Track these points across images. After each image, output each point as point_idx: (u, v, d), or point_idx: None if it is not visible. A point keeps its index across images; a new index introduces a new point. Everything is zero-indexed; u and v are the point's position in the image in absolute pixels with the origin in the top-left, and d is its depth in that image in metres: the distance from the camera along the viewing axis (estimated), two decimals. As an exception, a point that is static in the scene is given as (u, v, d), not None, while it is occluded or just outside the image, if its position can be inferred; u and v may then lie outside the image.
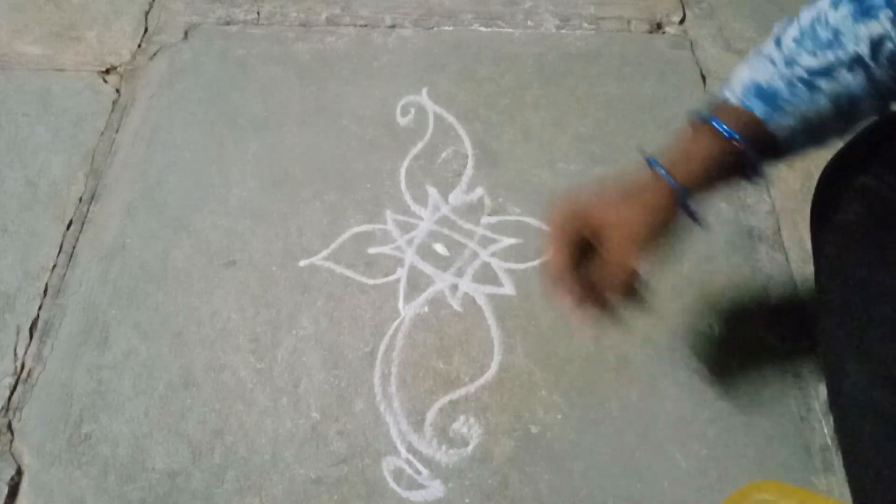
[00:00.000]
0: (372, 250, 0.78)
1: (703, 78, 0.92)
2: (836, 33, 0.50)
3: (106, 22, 1.01)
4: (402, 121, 0.89)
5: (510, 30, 0.97)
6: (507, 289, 0.75)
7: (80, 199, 0.84)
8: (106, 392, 0.70)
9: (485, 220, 0.80)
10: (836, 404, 0.57)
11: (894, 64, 0.48)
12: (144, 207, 0.82)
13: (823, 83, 0.51)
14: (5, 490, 0.65)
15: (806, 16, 0.52)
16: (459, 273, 0.76)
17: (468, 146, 0.86)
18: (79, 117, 0.91)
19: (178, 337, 0.73)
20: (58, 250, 0.80)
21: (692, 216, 0.57)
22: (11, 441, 0.68)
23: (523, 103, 0.89)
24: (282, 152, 0.86)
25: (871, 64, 0.49)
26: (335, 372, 0.71)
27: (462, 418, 0.68)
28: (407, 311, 0.74)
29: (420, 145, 0.86)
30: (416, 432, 0.67)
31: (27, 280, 0.78)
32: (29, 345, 0.73)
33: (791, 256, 0.76)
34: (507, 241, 0.78)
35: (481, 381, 0.70)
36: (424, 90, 0.91)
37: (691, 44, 0.95)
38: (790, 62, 0.52)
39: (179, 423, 0.68)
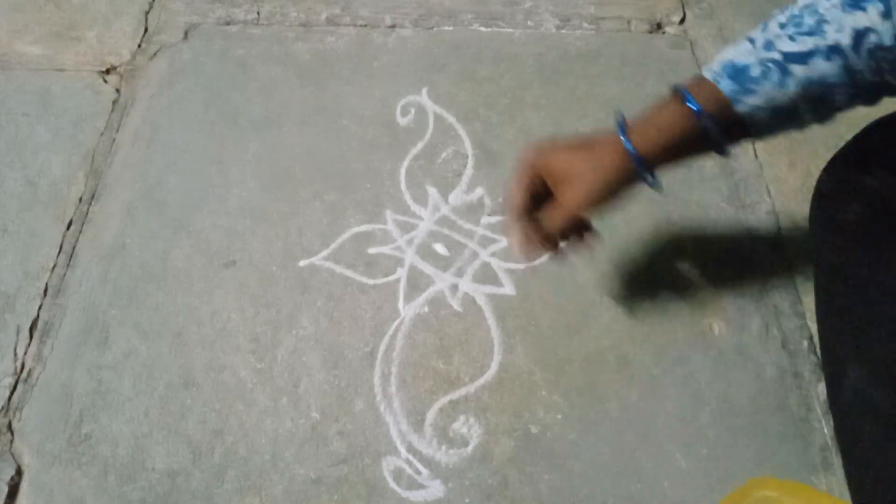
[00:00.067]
0: (372, 250, 0.78)
1: (703, 78, 0.91)
2: (821, 21, 0.50)
3: (106, 22, 1.01)
4: (402, 121, 0.89)
5: (510, 30, 0.97)
6: (507, 289, 0.75)
7: (80, 199, 0.84)
8: (106, 392, 0.70)
9: (485, 220, 0.80)
10: (836, 404, 0.57)
11: (876, 57, 0.48)
12: (144, 207, 0.82)
13: (797, 69, 0.51)
14: (5, 490, 0.65)
15: (802, 1, 0.52)
16: (459, 273, 0.76)
17: (468, 146, 0.86)
18: (79, 117, 0.91)
19: (178, 337, 0.73)
20: (58, 250, 0.80)
21: (647, 182, 0.59)
22: (11, 441, 0.68)
23: (523, 103, 0.89)
24: (282, 152, 0.86)
25: (851, 54, 0.49)
26: (335, 372, 0.71)
27: (462, 418, 0.68)
28: (407, 311, 0.74)
29: (420, 145, 0.86)
30: (416, 432, 0.67)
31: (27, 280, 0.78)
32: (29, 345, 0.73)
33: (791, 256, 0.76)
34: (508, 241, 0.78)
35: (481, 381, 0.70)
36: (424, 90, 0.91)
37: (691, 44, 0.95)
38: (769, 45, 0.53)
39: (179, 423, 0.68)
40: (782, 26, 0.52)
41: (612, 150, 0.58)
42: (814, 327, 0.71)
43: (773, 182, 0.82)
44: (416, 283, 0.76)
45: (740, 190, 0.81)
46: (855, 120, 0.63)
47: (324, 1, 1.01)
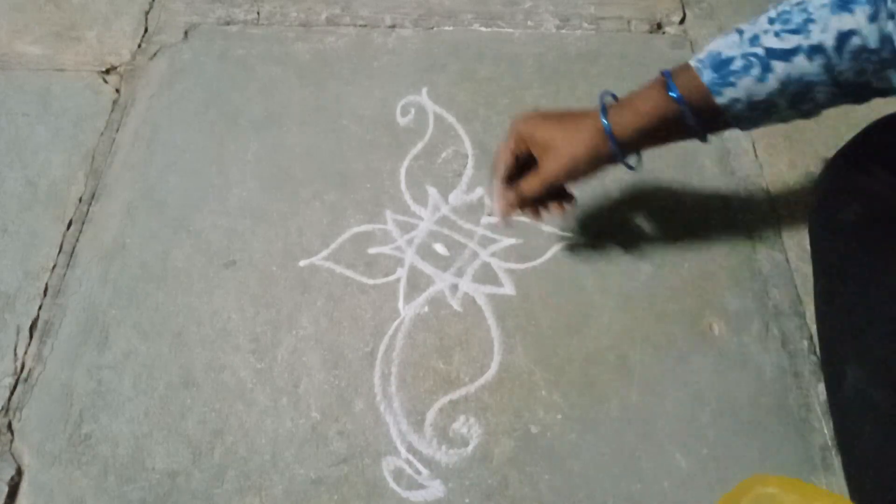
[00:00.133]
0: (372, 250, 0.78)
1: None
2: (808, 20, 0.50)
3: (106, 22, 1.01)
4: (402, 121, 0.89)
5: (510, 30, 0.97)
6: (507, 289, 0.75)
7: (80, 199, 0.84)
8: (106, 392, 0.70)
9: (485, 220, 0.80)
10: (836, 404, 0.57)
11: (859, 59, 0.49)
12: (144, 207, 0.82)
13: (778, 65, 0.52)
14: (5, 490, 0.65)
15: None
16: (459, 273, 0.76)
17: (468, 146, 0.86)
18: (79, 117, 0.91)
19: (178, 337, 0.73)
20: (58, 250, 0.80)
21: (621, 161, 0.62)
22: (11, 441, 0.68)
23: (523, 103, 0.89)
24: (282, 152, 0.86)
25: (833, 55, 0.50)
26: (335, 372, 0.71)
27: (462, 418, 0.68)
28: (407, 311, 0.74)
29: (420, 145, 0.86)
30: (416, 432, 0.67)
31: (27, 280, 0.78)
32: (29, 345, 0.73)
33: (791, 256, 0.76)
34: (507, 241, 0.78)
35: (481, 381, 0.70)
36: (424, 90, 0.91)
37: (691, 44, 0.95)
38: (755, 39, 0.54)
39: (179, 423, 0.68)
40: (771, 21, 0.53)
41: (591, 127, 0.61)
42: (814, 327, 0.71)
43: (773, 182, 0.82)
44: (416, 283, 0.76)
45: (740, 190, 0.81)
46: (855, 120, 0.63)
47: (324, 1, 1.01)
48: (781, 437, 0.66)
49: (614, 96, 0.64)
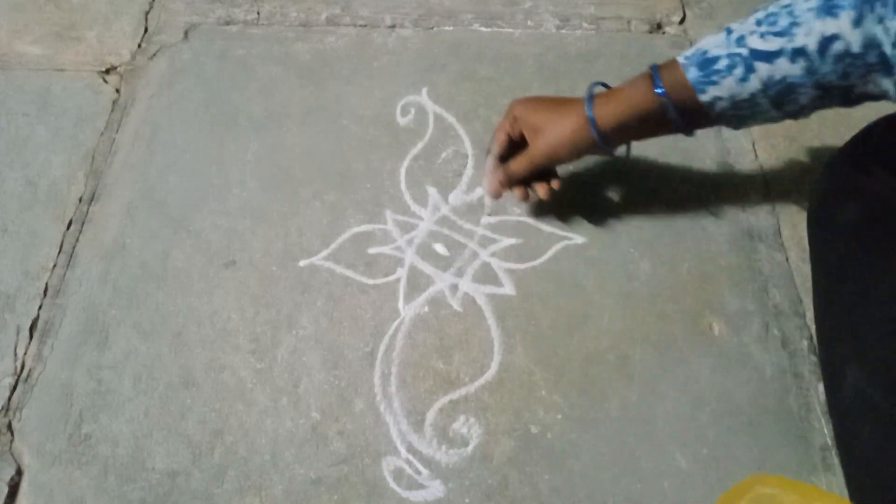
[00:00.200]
0: (372, 250, 0.78)
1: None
2: (793, 24, 0.51)
3: (106, 22, 1.01)
4: (402, 121, 0.89)
5: (510, 30, 0.97)
6: (507, 289, 0.75)
7: (80, 199, 0.84)
8: (106, 392, 0.70)
9: (485, 220, 0.80)
10: (835, 405, 0.57)
11: (843, 63, 0.49)
12: (144, 207, 0.82)
13: (761, 66, 0.53)
14: (5, 490, 0.65)
15: (784, 0, 0.53)
16: (459, 273, 0.76)
17: (468, 146, 0.86)
18: (79, 117, 0.91)
19: (178, 337, 0.73)
20: (58, 250, 0.80)
21: (604, 148, 0.65)
22: (11, 441, 0.68)
23: (523, 103, 0.89)
24: (282, 152, 0.86)
25: (816, 58, 0.50)
26: (335, 372, 0.71)
27: (462, 418, 0.68)
28: (407, 311, 0.74)
29: (420, 145, 0.86)
30: (416, 432, 0.67)
31: (27, 280, 0.78)
32: (29, 345, 0.73)
33: (791, 256, 0.76)
34: (507, 241, 0.78)
35: (481, 381, 0.70)
36: (424, 90, 0.91)
37: (691, 44, 0.94)
38: (741, 39, 0.55)
39: (179, 423, 0.68)
40: (758, 23, 0.54)
41: (577, 114, 0.64)
42: (814, 327, 0.71)
43: (773, 182, 0.82)
44: (416, 283, 0.76)
45: (740, 189, 0.81)
46: (855, 120, 0.63)
47: (324, 1, 1.01)
48: (781, 437, 0.66)
49: (606, 86, 0.66)
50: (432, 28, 0.98)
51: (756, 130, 0.86)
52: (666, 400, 0.68)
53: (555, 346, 0.71)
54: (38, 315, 0.75)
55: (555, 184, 0.73)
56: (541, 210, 0.80)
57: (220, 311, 0.75)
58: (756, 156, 0.85)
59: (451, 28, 0.98)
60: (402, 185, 0.83)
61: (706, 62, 0.56)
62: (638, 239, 0.78)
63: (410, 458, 0.66)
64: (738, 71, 0.54)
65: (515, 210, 0.80)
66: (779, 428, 0.66)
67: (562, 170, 0.77)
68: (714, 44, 0.56)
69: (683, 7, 0.99)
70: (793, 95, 0.53)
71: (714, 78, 0.55)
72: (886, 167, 0.58)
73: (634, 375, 0.69)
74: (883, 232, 0.56)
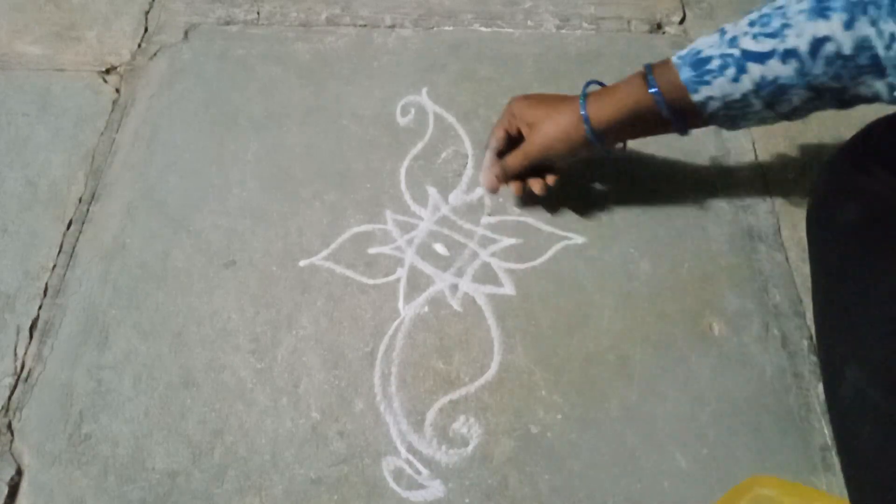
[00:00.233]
0: (372, 250, 0.78)
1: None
2: (785, 25, 0.52)
3: (106, 22, 1.01)
4: (402, 121, 0.89)
5: (510, 30, 0.97)
6: (507, 289, 0.75)
7: (80, 199, 0.84)
8: (106, 392, 0.70)
9: (485, 220, 0.80)
10: (834, 405, 0.57)
11: (834, 64, 0.50)
12: (144, 207, 0.82)
13: (753, 67, 0.54)
14: (5, 490, 0.65)
15: (780, 1, 0.54)
16: (459, 273, 0.76)
17: (468, 146, 0.86)
18: (79, 117, 0.91)
19: (178, 337, 0.73)
20: (58, 250, 0.80)
21: (597, 145, 0.66)
22: (11, 441, 0.68)
23: (523, 103, 0.89)
24: (282, 152, 0.86)
25: (807, 59, 0.51)
26: (335, 372, 0.71)
27: (462, 418, 0.68)
28: (407, 311, 0.74)
29: (420, 145, 0.86)
30: (416, 432, 0.67)
31: (27, 280, 0.78)
32: (29, 345, 0.73)
33: (791, 256, 0.76)
34: (507, 241, 0.78)
35: (481, 381, 0.70)
36: (424, 90, 0.91)
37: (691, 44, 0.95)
38: (733, 40, 0.55)
39: (179, 423, 0.68)
40: (751, 24, 0.54)
41: (572, 111, 0.66)
42: (814, 327, 0.71)
43: (773, 182, 0.82)
44: (416, 283, 0.76)
45: (740, 189, 0.81)
46: (855, 120, 0.63)
47: (324, 1, 1.01)
48: (781, 437, 0.66)
49: (602, 85, 0.67)
50: (432, 28, 0.98)
51: (756, 130, 0.86)
52: (666, 400, 0.68)
53: (555, 346, 0.71)
54: (38, 315, 0.75)
55: (549, 179, 0.73)
56: (541, 210, 0.80)
57: (220, 311, 0.75)
58: (756, 156, 0.85)
59: (451, 28, 0.98)
60: (402, 185, 0.83)
61: (699, 62, 0.56)
62: (638, 239, 0.78)
63: (410, 458, 0.66)
64: (730, 71, 0.54)
65: (515, 210, 0.80)
66: (779, 428, 0.66)
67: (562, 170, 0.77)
68: (707, 44, 0.57)
69: (683, 7, 0.99)
70: (785, 96, 0.54)
71: (706, 78, 0.56)
72: (886, 167, 0.58)
73: (634, 375, 0.69)
74: (883, 232, 0.56)
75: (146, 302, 0.75)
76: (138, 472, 0.66)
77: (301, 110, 0.90)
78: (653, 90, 0.60)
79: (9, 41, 0.99)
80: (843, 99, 0.53)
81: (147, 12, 1.01)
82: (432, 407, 0.68)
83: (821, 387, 0.67)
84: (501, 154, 0.74)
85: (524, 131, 0.71)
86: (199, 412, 0.69)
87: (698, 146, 0.84)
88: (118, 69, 0.96)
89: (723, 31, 0.56)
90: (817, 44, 0.49)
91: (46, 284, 0.77)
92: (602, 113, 0.64)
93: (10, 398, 0.70)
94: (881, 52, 0.47)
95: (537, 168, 0.73)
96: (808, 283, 0.67)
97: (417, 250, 0.78)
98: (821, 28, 0.49)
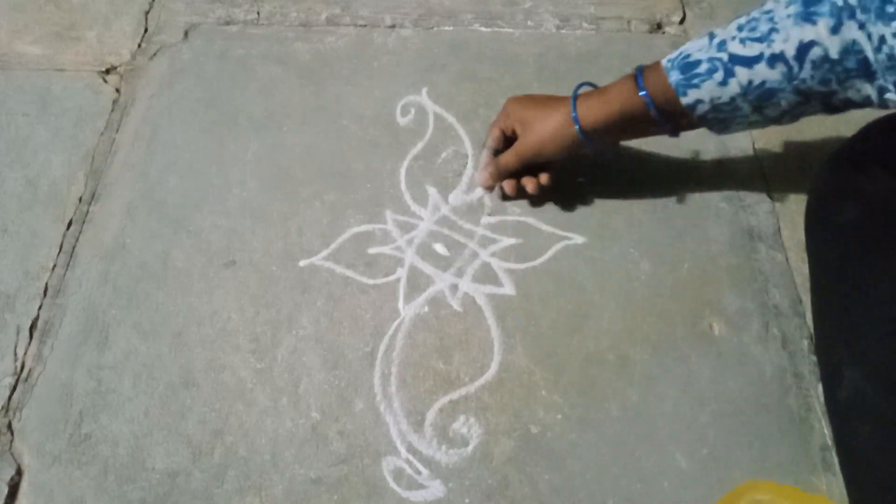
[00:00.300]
0: (372, 250, 0.78)
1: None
2: (773, 30, 0.52)
3: (106, 22, 1.01)
4: (402, 121, 0.89)
5: (510, 30, 0.97)
6: (507, 289, 0.75)
7: (80, 199, 0.84)
8: (106, 392, 0.70)
9: (485, 220, 0.80)
10: (833, 406, 0.57)
11: (821, 68, 0.50)
12: (144, 207, 0.82)
13: (741, 71, 0.54)
14: (5, 490, 0.65)
15: (768, 5, 0.54)
16: (459, 273, 0.76)
17: (468, 146, 0.86)
18: (79, 117, 0.91)
19: (178, 337, 0.73)
20: (58, 250, 0.80)
21: (586, 146, 0.67)
22: (11, 441, 0.68)
23: (523, 103, 0.89)
24: (282, 152, 0.86)
25: (794, 64, 0.51)
26: (335, 372, 0.71)
27: (462, 418, 0.68)
28: (407, 311, 0.74)
29: (420, 145, 0.86)
30: (416, 432, 0.67)
31: (27, 280, 0.78)
32: (29, 345, 0.73)
33: (791, 256, 0.76)
34: (507, 241, 0.78)
35: (481, 381, 0.70)
36: (424, 90, 0.91)
37: (691, 44, 0.95)
38: (722, 44, 0.56)
39: (179, 423, 0.68)
40: (740, 28, 0.55)
41: (562, 112, 0.67)
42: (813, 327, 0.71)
43: (773, 182, 0.82)
44: (416, 283, 0.76)
45: (740, 189, 0.81)
46: (854, 120, 0.63)
47: (324, 1, 1.01)
48: (781, 437, 0.66)
49: (594, 86, 0.68)
50: (432, 28, 0.98)
51: (756, 130, 0.86)
52: (666, 400, 0.68)
53: (555, 346, 0.71)
54: (38, 315, 0.75)
55: (543, 178, 0.74)
56: (541, 210, 0.80)
57: (220, 311, 0.75)
58: (756, 156, 0.85)
59: (451, 28, 0.98)
60: (402, 185, 0.83)
61: (688, 66, 0.57)
62: (638, 239, 0.78)
63: (410, 458, 0.66)
64: (718, 75, 0.55)
65: (515, 210, 0.80)
66: (779, 428, 0.66)
67: (562, 170, 0.77)
68: (696, 48, 0.57)
69: (683, 7, 0.99)
70: (773, 100, 0.54)
71: (695, 81, 0.57)
72: (885, 167, 0.58)
73: (634, 375, 0.69)
74: (881, 232, 0.56)
75: (146, 302, 0.75)
76: (138, 472, 0.66)
77: (301, 110, 0.90)
78: (642, 93, 0.60)
79: (9, 41, 0.99)
80: (832, 103, 0.54)
81: (147, 12, 1.01)
82: (432, 407, 0.68)
83: (821, 387, 0.67)
84: (498, 153, 0.76)
85: (517, 130, 0.72)
86: (199, 412, 0.69)
87: (698, 146, 0.84)
88: (118, 69, 0.96)
89: (712, 35, 0.57)
90: (804, 48, 0.50)
91: (46, 284, 0.77)
92: (592, 114, 0.65)
93: (10, 398, 0.70)
94: (871, 55, 0.47)
95: (531, 167, 0.74)
96: (808, 283, 0.67)
97: (417, 250, 0.78)
98: (807, 32, 0.49)
